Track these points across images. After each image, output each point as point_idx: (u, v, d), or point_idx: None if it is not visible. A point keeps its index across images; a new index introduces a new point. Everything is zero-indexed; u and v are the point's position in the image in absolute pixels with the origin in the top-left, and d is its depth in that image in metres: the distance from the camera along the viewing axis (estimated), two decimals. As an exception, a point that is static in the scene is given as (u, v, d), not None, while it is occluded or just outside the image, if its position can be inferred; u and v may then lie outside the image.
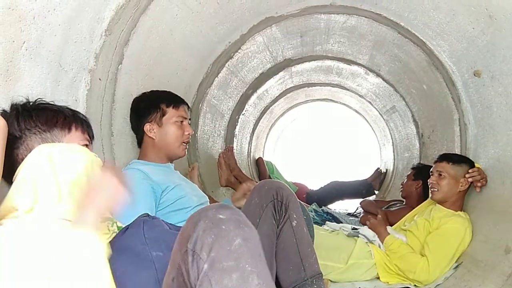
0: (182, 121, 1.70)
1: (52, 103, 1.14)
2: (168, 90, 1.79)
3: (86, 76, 1.45)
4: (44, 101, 1.12)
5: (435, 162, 2.09)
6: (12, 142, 1.01)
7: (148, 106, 1.68)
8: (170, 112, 1.68)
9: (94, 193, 0.92)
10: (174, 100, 1.70)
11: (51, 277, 0.78)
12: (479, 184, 1.91)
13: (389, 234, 2.01)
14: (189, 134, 1.71)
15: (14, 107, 1.07)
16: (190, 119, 1.77)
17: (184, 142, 1.70)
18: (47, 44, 1.21)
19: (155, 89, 1.80)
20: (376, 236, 2.06)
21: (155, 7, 1.69)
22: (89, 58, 1.44)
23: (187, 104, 1.76)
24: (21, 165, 0.97)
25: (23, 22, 1.09)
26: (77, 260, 0.87)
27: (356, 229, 2.12)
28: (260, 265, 0.79)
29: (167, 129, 1.66)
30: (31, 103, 1.09)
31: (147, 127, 1.66)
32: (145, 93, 1.77)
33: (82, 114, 1.17)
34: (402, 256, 1.87)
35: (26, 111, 1.06)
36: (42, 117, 1.06)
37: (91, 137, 1.17)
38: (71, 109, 1.15)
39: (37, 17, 1.13)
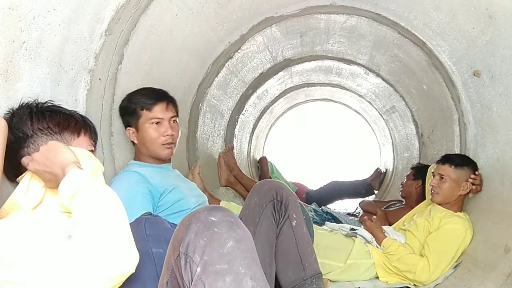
0: (157, 122, 1.59)
1: (62, 106, 1.16)
2: (148, 87, 1.69)
3: (86, 76, 1.45)
4: (53, 101, 1.14)
5: (437, 162, 2.06)
6: (22, 140, 1.03)
7: (126, 111, 1.64)
8: (144, 115, 1.59)
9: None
10: (147, 101, 1.60)
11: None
12: (474, 188, 1.93)
13: (385, 237, 1.99)
14: (168, 134, 1.59)
15: (27, 106, 1.09)
16: (174, 117, 1.64)
17: (164, 144, 1.60)
18: (47, 44, 1.21)
19: (141, 88, 1.70)
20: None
21: (155, 7, 1.69)
22: (89, 58, 1.44)
23: (168, 102, 1.63)
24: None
25: (23, 22, 1.09)
26: None
27: (354, 229, 2.11)
28: (253, 267, 0.79)
29: (143, 132, 1.60)
30: (43, 104, 1.11)
31: (128, 132, 1.64)
32: (128, 94, 1.69)
33: (90, 121, 1.20)
34: (401, 258, 1.87)
35: (40, 112, 1.08)
36: (54, 120, 1.08)
37: (96, 143, 1.20)
38: (80, 115, 1.18)
39: (37, 17, 1.13)
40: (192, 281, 0.77)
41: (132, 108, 1.62)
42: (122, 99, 1.70)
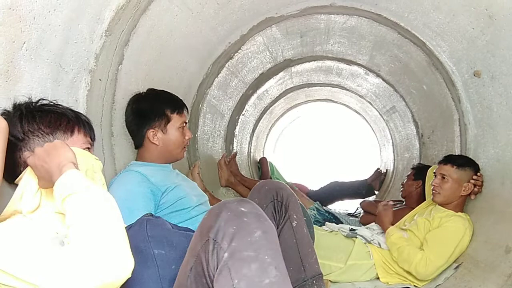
0: (183, 127, 1.70)
1: (54, 103, 1.14)
2: (168, 91, 1.76)
3: (86, 77, 1.45)
4: (46, 100, 1.12)
5: (440, 163, 2.07)
6: (15, 144, 1.01)
7: (152, 112, 1.65)
8: (175, 118, 1.66)
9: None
10: (177, 106, 1.69)
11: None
12: (476, 190, 1.94)
13: (391, 226, 2.02)
14: (189, 138, 1.72)
15: (17, 107, 1.06)
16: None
17: (185, 146, 1.72)
18: (47, 45, 1.21)
19: (154, 89, 1.77)
20: (374, 236, 2.06)
21: (155, 8, 1.70)
22: (89, 59, 1.44)
23: (186, 107, 1.76)
24: (27, 169, 0.98)
25: (23, 22, 1.09)
26: None
27: (354, 230, 2.11)
28: (278, 258, 0.81)
29: (171, 135, 1.65)
30: (33, 104, 1.09)
31: (150, 133, 1.63)
32: (145, 94, 1.73)
33: (85, 116, 1.18)
34: (401, 247, 1.88)
35: (30, 113, 1.05)
36: (45, 120, 1.06)
37: (92, 139, 1.17)
38: (73, 111, 1.15)
39: (37, 17, 1.13)
40: (217, 266, 0.79)
41: (161, 110, 1.64)
42: (136, 100, 1.71)
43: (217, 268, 0.80)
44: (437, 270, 1.80)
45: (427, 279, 1.83)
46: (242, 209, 0.84)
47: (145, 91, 1.76)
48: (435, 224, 1.91)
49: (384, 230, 2.01)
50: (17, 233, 0.85)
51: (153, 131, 1.63)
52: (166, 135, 1.65)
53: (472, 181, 1.93)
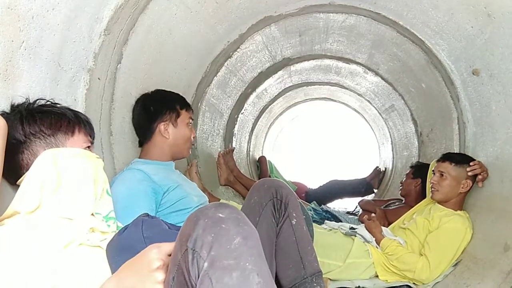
0: (190, 123, 1.77)
1: (51, 102, 1.14)
2: (175, 92, 1.83)
3: (85, 76, 1.45)
4: (43, 100, 1.12)
5: (438, 161, 2.07)
6: (17, 147, 1.02)
7: (163, 106, 1.71)
8: (184, 114, 1.74)
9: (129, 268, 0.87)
10: (186, 103, 1.78)
11: (50, 273, 0.78)
12: (480, 177, 1.90)
13: (383, 237, 1.99)
14: (195, 136, 1.80)
15: (16, 109, 1.06)
16: None
17: (190, 143, 1.78)
18: (46, 44, 1.21)
19: (161, 89, 1.84)
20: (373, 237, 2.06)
21: (154, 7, 1.69)
22: (88, 58, 1.44)
23: (191, 107, 1.82)
24: (28, 171, 0.98)
25: (22, 21, 1.09)
26: (77, 258, 0.87)
27: (354, 228, 2.12)
28: (260, 263, 0.79)
29: (181, 130, 1.72)
30: (32, 105, 1.09)
31: (161, 126, 1.68)
32: (154, 93, 1.79)
33: (84, 115, 1.18)
34: (400, 258, 1.87)
35: (30, 115, 1.05)
36: (46, 122, 1.06)
37: (92, 137, 1.18)
38: (72, 110, 1.14)
39: (36, 16, 1.13)
40: (198, 276, 0.78)
41: (172, 105, 1.72)
42: (146, 97, 1.77)
43: (198, 278, 0.78)
44: (440, 273, 1.80)
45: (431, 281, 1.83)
46: (220, 215, 0.81)
47: (150, 91, 1.82)
48: (435, 224, 1.91)
49: (377, 241, 2.00)
50: (14, 239, 0.84)
51: (164, 124, 1.68)
52: (177, 129, 1.71)
53: (470, 172, 1.92)
